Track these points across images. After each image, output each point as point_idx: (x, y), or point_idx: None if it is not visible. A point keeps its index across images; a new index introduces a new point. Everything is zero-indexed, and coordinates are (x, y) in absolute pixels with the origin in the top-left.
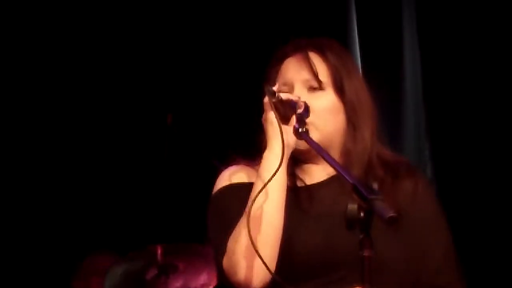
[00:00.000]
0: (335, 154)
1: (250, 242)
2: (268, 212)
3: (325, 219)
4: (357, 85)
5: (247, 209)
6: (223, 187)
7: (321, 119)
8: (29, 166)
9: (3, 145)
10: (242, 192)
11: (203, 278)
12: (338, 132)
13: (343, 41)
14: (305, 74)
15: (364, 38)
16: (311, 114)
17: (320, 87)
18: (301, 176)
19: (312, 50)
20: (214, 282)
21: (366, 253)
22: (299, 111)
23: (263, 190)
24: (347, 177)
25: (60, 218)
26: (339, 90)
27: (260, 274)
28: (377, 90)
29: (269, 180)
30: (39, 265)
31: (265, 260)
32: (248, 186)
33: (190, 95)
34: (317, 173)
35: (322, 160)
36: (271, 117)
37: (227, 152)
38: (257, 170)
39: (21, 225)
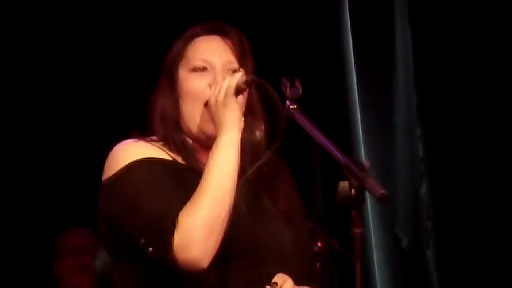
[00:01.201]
0: None
1: (209, 221)
2: (227, 196)
3: (247, 198)
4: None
5: (208, 187)
6: (143, 158)
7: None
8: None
9: None
10: (162, 167)
11: None
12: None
13: (335, 29)
14: (227, 57)
15: (356, 24)
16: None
17: (238, 71)
18: (205, 158)
19: (232, 35)
20: None
21: (357, 230)
22: (290, 88)
23: (220, 170)
24: (337, 155)
25: (45, 199)
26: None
27: (211, 253)
28: (369, 76)
29: (254, 170)
30: (19, 252)
31: (217, 240)
32: (165, 163)
33: None
34: None
35: None
36: (233, 101)
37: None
38: (158, 147)
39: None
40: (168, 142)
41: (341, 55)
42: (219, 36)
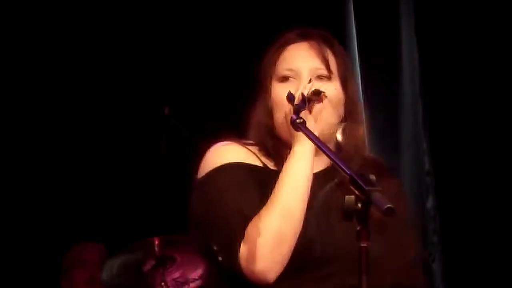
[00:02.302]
0: (330, 146)
1: (277, 234)
2: (297, 209)
3: (320, 211)
4: (354, 81)
5: (277, 199)
6: (229, 163)
7: (327, 109)
8: (20, 159)
9: None
10: (248, 173)
11: (200, 269)
12: (337, 124)
13: (341, 37)
14: (315, 63)
15: (362, 34)
16: (318, 103)
17: (329, 77)
18: None
19: (321, 40)
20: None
21: (363, 244)
22: (297, 102)
23: (291, 185)
24: (344, 168)
25: (54, 212)
26: (344, 82)
27: (280, 266)
28: (375, 86)
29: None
30: (27, 265)
31: (286, 253)
32: (253, 168)
33: (187, 86)
34: (318, 162)
35: (318, 152)
36: (304, 115)
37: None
38: (250, 150)
39: (16, 224)
40: (261, 147)
41: None
42: (307, 42)
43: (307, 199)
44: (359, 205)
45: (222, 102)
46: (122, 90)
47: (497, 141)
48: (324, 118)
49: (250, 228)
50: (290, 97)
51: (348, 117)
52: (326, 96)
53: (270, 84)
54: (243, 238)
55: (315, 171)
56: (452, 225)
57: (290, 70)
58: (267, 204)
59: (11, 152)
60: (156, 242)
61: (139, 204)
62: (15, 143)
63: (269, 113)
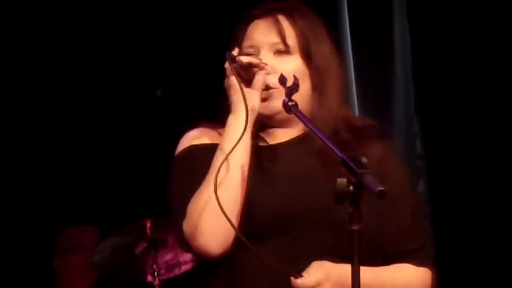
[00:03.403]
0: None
1: (211, 206)
2: (233, 177)
3: (286, 178)
4: (325, 51)
5: (210, 173)
6: (185, 148)
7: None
8: (12, 143)
9: None
10: (205, 154)
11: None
12: (303, 98)
13: (333, 24)
14: (273, 37)
15: (354, 17)
16: (276, 79)
17: (287, 51)
18: (264, 137)
19: (281, 13)
20: None
21: (355, 227)
22: (289, 84)
23: (222, 156)
24: (336, 151)
25: (46, 195)
26: (306, 55)
27: (220, 238)
28: (367, 69)
29: (233, 147)
30: (19, 244)
31: (226, 225)
32: (211, 148)
33: (179, 68)
34: (281, 135)
35: (287, 124)
36: (233, 82)
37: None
38: (220, 133)
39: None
40: None
41: (339, 51)
42: (270, 17)
43: (245, 169)
44: (351, 188)
45: (214, 85)
46: (114, 73)
47: (489, 124)
48: (283, 92)
49: (189, 205)
50: (282, 80)
51: (314, 90)
52: (263, 64)
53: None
54: (184, 216)
55: (284, 140)
56: (443, 209)
57: (252, 47)
58: (205, 180)
59: (3, 137)
60: (148, 225)
61: (131, 186)
62: (7, 129)
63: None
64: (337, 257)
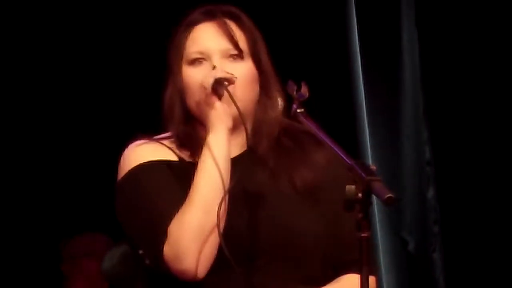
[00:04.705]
0: (249, 124)
1: (199, 229)
2: (210, 198)
3: (240, 199)
4: (267, 55)
5: (194, 193)
6: (142, 164)
7: (241, 89)
8: (19, 147)
9: None
10: (166, 170)
11: None
12: (252, 102)
13: (342, 34)
14: (224, 43)
15: (363, 25)
16: (231, 85)
17: (240, 56)
18: None
19: (226, 17)
20: None
21: (364, 234)
22: (297, 91)
23: (206, 177)
24: (344, 158)
25: (51, 199)
26: (257, 59)
27: (207, 261)
28: (376, 76)
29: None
30: (27, 248)
31: (211, 247)
32: (170, 164)
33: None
34: (232, 147)
35: (236, 132)
36: (212, 100)
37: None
38: (163, 144)
39: (11, 212)
40: (175, 138)
41: (348, 59)
42: (215, 21)
43: (226, 189)
44: (360, 194)
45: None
46: (117, 79)
47: (498, 131)
48: (239, 99)
49: (172, 227)
50: (291, 88)
51: (261, 92)
52: (235, 78)
53: (180, 67)
54: (166, 238)
55: (233, 155)
56: (453, 215)
57: (201, 52)
58: (187, 199)
59: (9, 141)
60: None
61: None
62: (19, 135)
63: (182, 99)
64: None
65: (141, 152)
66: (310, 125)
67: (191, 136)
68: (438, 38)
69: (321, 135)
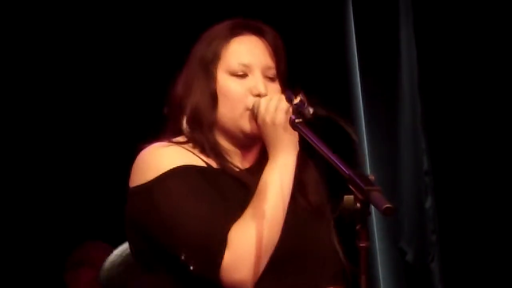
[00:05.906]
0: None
1: (262, 243)
2: (279, 216)
3: None
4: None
5: (261, 203)
6: (181, 166)
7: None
8: (23, 154)
9: None
10: (201, 175)
11: None
12: None
13: (340, 41)
14: (267, 61)
15: (361, 32)
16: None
17: (274, 78)
18: (236, 159)
19: (272, 38)
20: None
21: (363, 244)
22: (296, 101)
23: (277, 192)
24: (343, 168)
25: (53, 209)
26: (283, 81)
27: (258, 275)
28: (373, 84)
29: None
30: (30, 258)
31: (264, 263)
32: (202, 170)
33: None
34: (247, 158)
35: (246, 148)
36: (289, 126)
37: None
38: (186, 149)
39: (16, 220)
40: (199, 144)
41: (346, 67)
42: (261, 37)
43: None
44: (358, 205)
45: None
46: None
47: (497, 140)
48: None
49: (234, 235)
50: (290, 98)
51: None
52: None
53: (216, 72)
54: (225, 246)
55: (245, 167)
56: (451, 225)
57: (244, 65)
58: (250, 210)
59: (14, 148)
60: None
61: None
62: (18, 139)
63: (214, 105)
64: None
65: (172, 155)
66: (308, 136)
67: (218, 145)
68: (437, 46)
69: (319, 145)
